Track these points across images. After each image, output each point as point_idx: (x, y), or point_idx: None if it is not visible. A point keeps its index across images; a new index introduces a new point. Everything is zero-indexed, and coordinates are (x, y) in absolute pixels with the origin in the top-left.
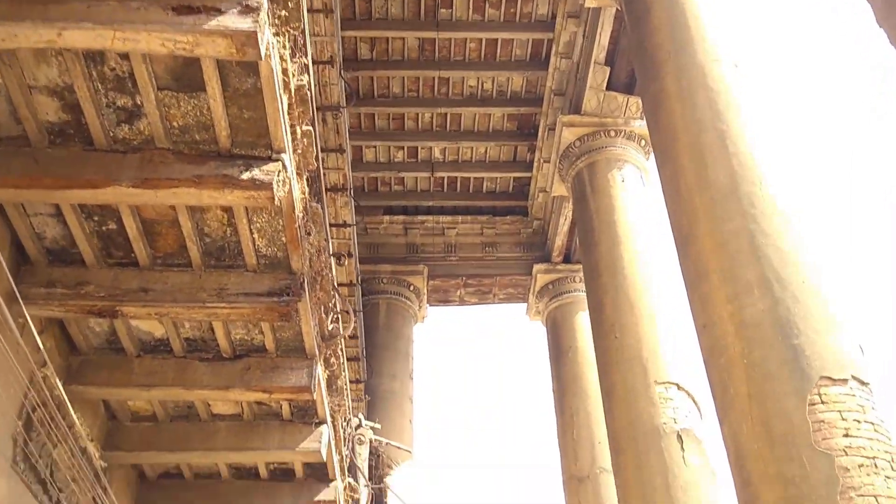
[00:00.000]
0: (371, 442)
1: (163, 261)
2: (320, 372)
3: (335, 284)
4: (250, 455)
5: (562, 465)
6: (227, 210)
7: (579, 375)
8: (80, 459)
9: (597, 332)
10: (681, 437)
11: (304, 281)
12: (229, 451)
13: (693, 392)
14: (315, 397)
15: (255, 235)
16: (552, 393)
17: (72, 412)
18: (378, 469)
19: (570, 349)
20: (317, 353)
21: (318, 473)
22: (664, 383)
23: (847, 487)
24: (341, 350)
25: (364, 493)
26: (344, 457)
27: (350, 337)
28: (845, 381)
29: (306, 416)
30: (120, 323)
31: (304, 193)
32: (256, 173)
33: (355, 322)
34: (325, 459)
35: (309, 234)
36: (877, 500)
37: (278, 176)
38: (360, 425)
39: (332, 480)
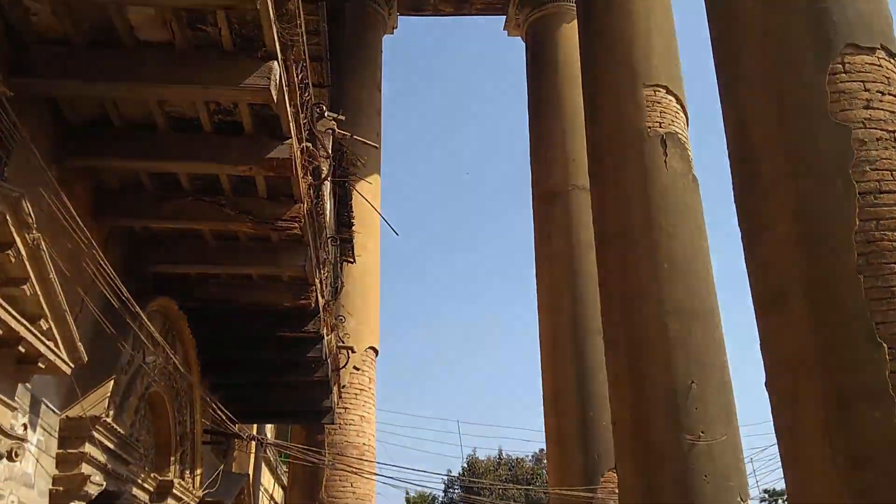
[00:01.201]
0: (334, 134)
1: None
2: None
3: None
4: (186, 91)
5: (532, 182)
6: None
7: (558, 92)
8: None
9: (585, 34)
10: (665, 141)
11: None
12: (160, 85)
13: (681, 95)
14: (259, 7)
15: None
16: (527, 110)
17: None
18: (342, 166)
19: (550, 63)
20: None
21: (270, 129)
22: (653, 86)
23: (861, 161)
24: None
25: (326, 166)
26: (300, 112)
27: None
28: (873, 49)
29: (251, 46)
30: None
31: None
32: None
33: None
34: (275, 102)
35: None
36: (892, 175)
37: None
38: (322, 114)
39: (286, 138)
